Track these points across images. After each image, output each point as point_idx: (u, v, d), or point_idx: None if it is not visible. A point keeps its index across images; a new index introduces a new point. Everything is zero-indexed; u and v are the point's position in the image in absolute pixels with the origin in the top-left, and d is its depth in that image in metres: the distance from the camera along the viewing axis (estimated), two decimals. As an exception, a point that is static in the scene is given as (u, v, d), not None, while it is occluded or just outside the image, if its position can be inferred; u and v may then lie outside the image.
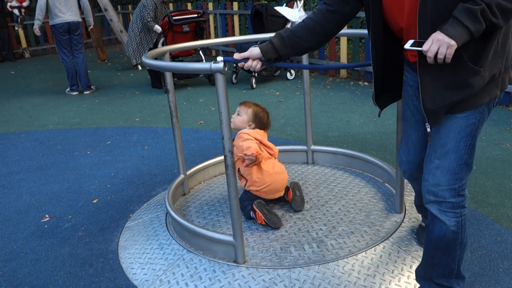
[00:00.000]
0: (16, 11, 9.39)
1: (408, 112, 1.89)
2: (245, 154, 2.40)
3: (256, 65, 1.91)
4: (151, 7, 6.39)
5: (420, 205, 2.24)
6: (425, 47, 1.47)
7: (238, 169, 2.56)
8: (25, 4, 9.35)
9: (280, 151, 2.99)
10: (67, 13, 6.28)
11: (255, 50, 1.89)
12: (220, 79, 1.89)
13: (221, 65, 1.84)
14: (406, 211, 2.56)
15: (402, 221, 2.47)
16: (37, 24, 6.34)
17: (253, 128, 2.63)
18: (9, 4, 9.60)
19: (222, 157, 3.11)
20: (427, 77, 1.60)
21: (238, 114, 2.65)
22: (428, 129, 1.67)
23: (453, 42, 1.42)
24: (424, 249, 1.84)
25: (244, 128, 2.62)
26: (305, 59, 3.01)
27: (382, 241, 2.27)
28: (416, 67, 1.64)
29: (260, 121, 2.65)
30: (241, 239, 2.13)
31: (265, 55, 1.89)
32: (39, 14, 6.23)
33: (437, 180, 1.68)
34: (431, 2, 1.49)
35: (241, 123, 2.64)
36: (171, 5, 10.69)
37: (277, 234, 2.37)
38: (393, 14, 1.67)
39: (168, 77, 2.74)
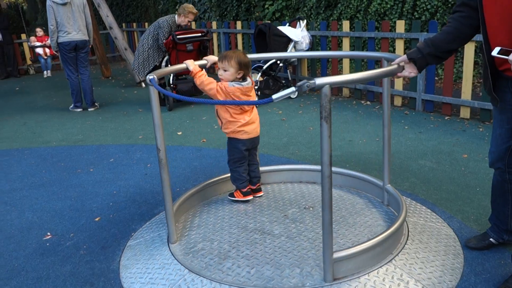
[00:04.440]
0: (40, 50, 9.47)
1: (496, 111, 2.24)
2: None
3: (410, 72, 2.31)
4: (167, 29, 6.48)
5: (491, 216, 2.49)
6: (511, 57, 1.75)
7: (217, 110, 2.90)
8: (48, 42, 9.39)
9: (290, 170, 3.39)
10: (74, 32, 6.39)
11: (403, 56, 2.29)
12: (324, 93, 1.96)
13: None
14: (409, 234, 2.55)
15: (405, 243, 2.46)
16: (53, 46, 6.50)
17: (242, 77, 2.77)
18: (30, 45, 9.69)
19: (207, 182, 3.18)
20: None
21: (225, 70, 2.75)
22: None
23: None
24: (499, 209, 2.35)
25: (233, 80, 2.76)
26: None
27: (385, 264, 2.26)
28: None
29: (246, 66, 2.77)
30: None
31: (409, 55, 2.24)
32: (53, 39, 6.38)
33: None
34: None
35: (231, 76, 2.75)
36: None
37: (280, 254, 2.36)
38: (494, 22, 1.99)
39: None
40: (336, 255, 2.11)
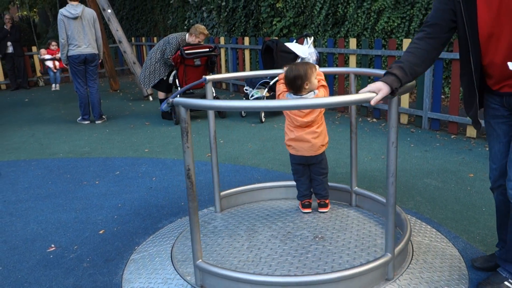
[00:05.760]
0: (50, 64, 9.58)
1: (490, 128, 2.22)
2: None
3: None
4: (175, 46, 6.58)
5: (498, 236, 2.41)
6: None
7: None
8: (58, 55, 9.50)
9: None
10: (84, 46, 6.49)
11: (382, 85, 2.00)
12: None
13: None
14: (414, 253, 2.53)
15: (410, 263, 2.44)
16: (63, 60, 6.59)
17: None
18: (40, 57, 9.82)
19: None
20: None
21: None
22: None
23: None
24: (508, 236, 2.18)
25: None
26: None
27: (389, 283, 2.24)
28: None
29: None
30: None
31: (392, 85, 2.01)
32: (63, 53, 6.48)
33: None
34: None
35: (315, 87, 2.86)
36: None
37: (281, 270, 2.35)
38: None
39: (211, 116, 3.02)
40: (338, 274, 2.10)
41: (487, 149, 4.62)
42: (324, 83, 2.92)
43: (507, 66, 1.96)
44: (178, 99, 2.11)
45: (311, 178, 3.08)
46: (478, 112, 2.19)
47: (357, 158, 3.16)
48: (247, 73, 3.36)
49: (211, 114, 3.04)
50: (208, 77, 3.01)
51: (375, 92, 1.99)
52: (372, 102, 1.97)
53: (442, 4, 2.07)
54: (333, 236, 2.69)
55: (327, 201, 3.08)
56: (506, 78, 2.03)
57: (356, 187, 3.15)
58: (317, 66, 2.91)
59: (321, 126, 2.96)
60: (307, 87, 2.81)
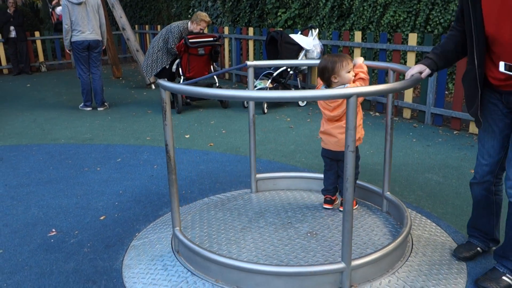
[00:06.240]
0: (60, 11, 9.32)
1: (486, 124, 2.25)
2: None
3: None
4: (177, 35, 6.56)
5: (472, 226, 2.52)
6: None
7: None
8: None
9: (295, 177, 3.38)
10: (88, 32, 6.46)
11: (422, 67, 2.31)
12: None
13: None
14: (413, 246, 2.54)
15: (409, 255, 2.45)
16: (67, 45, 6.55)
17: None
18: (51, 5, 9.59)
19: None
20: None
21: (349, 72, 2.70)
22: None
23: None
24: (506, 233, 2.22)
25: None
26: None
27: (388, 275, 2.25)
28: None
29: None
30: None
31: (429, 67, 2.30)
32: (66, 38, 6.45)
33: None
34: None
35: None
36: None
37: (295, 261, 2.36)
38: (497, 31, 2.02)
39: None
40: (339, 265, 2.11)
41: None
42: (363, 75, 2.74)
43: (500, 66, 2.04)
44: (161, 81, 2.27)
45: (338, 175, 2.95)
46: (479, 110, 2.20)
47: (391, 161, 2.88)
48: (289, 61, 3.59)
49: (251, 103, 3.07)
50: (249, 62, 3.02)
51: (420, 72, 2.29)
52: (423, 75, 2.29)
53: None
54: (327, 235, 2.64)
55: None
56: (504, 78, 2.08)
57: (388, 193, 2.91)
58: (360, 59, 2.79)
59: None
60: (335, 80, 2.68)
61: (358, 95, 1.94)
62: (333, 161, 2.93)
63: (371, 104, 6.47)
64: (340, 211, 2.88)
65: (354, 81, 2.71)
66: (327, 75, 2.69)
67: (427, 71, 2.31)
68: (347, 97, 1.94)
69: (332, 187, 2.97)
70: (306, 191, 3.32)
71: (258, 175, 3.33)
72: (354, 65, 2.75)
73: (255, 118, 3.12)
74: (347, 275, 2.12)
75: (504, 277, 2.23)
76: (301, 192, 3.31)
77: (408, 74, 2.32)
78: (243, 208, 3.06)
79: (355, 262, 2.14)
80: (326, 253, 2.41)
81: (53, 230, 3.03)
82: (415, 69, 2.32)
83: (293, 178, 3.39)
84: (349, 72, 2.68)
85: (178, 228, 2.52)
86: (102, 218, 3.19)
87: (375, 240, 2.56)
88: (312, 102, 6.94)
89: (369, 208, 3.01)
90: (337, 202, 3.01)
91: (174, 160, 2.40)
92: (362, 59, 2.81)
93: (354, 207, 2.89)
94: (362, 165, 4.10)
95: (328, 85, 2.73)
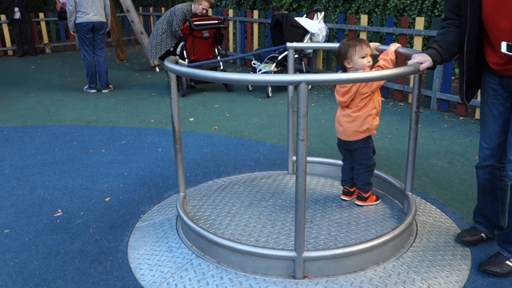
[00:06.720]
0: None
1: (486, 108, 2.27)
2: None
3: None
4: (181, 17, 6.51)
5: (478, 212, 2.52)
6: None
7: None
8: None
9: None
10: (92, 13, 6.41)
11: (425, 57, 2.20)
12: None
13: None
14: (418, 232, 2.55)
15: (413, 241, 2.45)
16: (71, 27, 6.50)
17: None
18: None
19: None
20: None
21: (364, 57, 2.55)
22: None
23: None
24: (508, 217, 2.24)
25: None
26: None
27: (392, 261, 2.26)
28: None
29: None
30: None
31: (433, 58, 2.19)
32: (71, 20, 6.40)
33: None
34: None
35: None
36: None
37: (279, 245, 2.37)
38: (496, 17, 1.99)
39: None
40: (345, 250, 2.12)
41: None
42: (383, 63, 2.53)
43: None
44: (167, 63, 2.30)
45: (352, 166, 2.82)
46: (464, 94, 2.29)
47: (416, 157, 2.68)
48: (328, 44, 3.64)
49: (290, 88, 3.02)
50: (289, 44, 2.98)
51: (421, 62, 2.20)
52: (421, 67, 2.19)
53: None
54: (323, 224, 2.60)
55: (365, 195, 2.77)
56: (506, 62, 2.08)
57: (409, 192, 2.67)
58: (394, 46, 2.56)
59: (360, 111, 2.60)
60: (349, 66, 2.56)
61: (307, 82, 1.84)
62: (346, 151, 2.79)
63: (376, 89, 6.42)
64: (356, 204, 2.80)
65: (375, 67, 2.54)
66: (341, 60, 2.59)
67: (427, 63, 2.18)
68: (295, 84, 1.86)
69: (348, 177, 2.84)
70: (328, 177, 3.27)
71: (294, 157, 3.22)
72: (379, 51, 2.62)
73: (293, 100, 3.01)
74: (299, 265, 2.10)
75: (507, 262, 2.25)
76: (323, 178, 3.25)
77: (409, 64, 2.23)
78: (277, 188, 3.08)
79: (307, 254, 2.11)
80: (312, 241, 2.42)
81: (59, 210, 3.05)
82: (416, 58, 2.20)
83: (328, 164, 3.29)
84: (363, 57, 2.53)
85: (182, 193, 2.72)
86: (107, 199, 3.21)
87: (376, 227, 2.56)
88: (317, 86, 6.90)
89: (378, 195, 3.00)
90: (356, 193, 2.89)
91: (180, 130, 2.56)
92: (396, 45, 2.58)
93: (375, 202, 2.80)
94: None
95: (344, 70, 2.61)
